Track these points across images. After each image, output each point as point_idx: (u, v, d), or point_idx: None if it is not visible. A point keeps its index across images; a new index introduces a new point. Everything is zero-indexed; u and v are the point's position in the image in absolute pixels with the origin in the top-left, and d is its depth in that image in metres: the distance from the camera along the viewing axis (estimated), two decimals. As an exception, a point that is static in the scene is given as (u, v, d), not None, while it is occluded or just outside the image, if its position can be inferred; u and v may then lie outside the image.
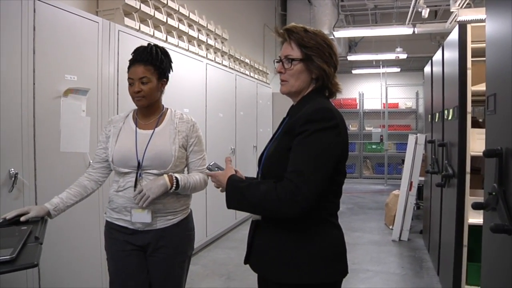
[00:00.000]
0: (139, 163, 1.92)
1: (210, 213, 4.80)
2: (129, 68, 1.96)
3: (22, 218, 1.74)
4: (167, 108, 2.07)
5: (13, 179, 2.34)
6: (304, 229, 1.42)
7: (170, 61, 2.04)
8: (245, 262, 1.59)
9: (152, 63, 1.93)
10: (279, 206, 1.31)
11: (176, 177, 1.90)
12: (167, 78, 2.04)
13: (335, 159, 1.38)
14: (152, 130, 1.98)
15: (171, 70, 2.06)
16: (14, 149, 2.38)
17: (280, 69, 1.51)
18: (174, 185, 1.89)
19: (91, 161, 2.31)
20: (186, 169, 2.07)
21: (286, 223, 1.42)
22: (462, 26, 2.99)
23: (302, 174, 1.30)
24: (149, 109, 2.01)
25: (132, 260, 1.95)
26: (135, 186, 1.91)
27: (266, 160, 1.50)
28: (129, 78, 1.95)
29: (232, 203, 1.44)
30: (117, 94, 3.16)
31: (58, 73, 2.67)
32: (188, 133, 2.01)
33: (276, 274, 1.43)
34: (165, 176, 1.90)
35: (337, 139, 1.38)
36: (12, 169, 2.35)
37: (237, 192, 1.42)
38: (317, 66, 1.48)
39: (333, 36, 8.05)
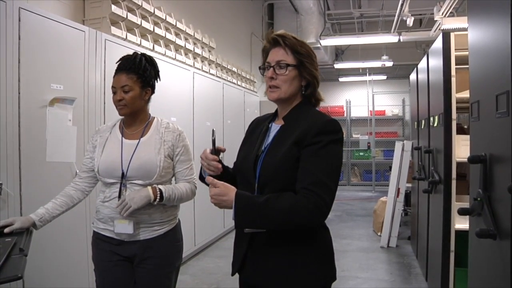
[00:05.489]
0: (123, 173, 1.90)
1: (198, 222, 4.78)
2: (113, 77, 1.96)
3: (6, 230, 1.71)
4: (154, 117, 2.06)
5: (-3, 190, 2.30)
6: (305, 235, 1.43)
7: (156, 70, 2.03)
8: (234, 274, 1.57)
9: (135, 72, 1.92)
10: (309, 218, 1.31)
11: (160, 189, 1.88)
12: (152, 87, 2.02)
13: (341, 168, 1.43)
14: (138, 140, 1.97)
15: (158, 79, 2.05)
16: (-2, 160, 2.34)
17: (272, 74, 1.48)
18: (158, 197, 1.87)
19: (77, 171, 2.28)
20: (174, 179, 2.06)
21: (287, 232, 1.41)
22: (446, 35, 3.04)
23: (324, 185, 1.32)
24: (134, 118, 2.00)
25: (118, 271, 1.92)
26: (119, 196, 1.89)
27: (269, 168, 1.43)
28: (112, 87, 1.95)
29: (246, 221, 1.35)
30: (104, 103, 3.13)
31: (44, 82, 2.65)
32: (174, 143, 1.99)
33: (279, 283, 1.42)
34: (149, 188, 1.87)
35: (342, 150, 1.44)
36: (-3, 180, 2.31)
37: (254, 209, 1.33)
38: (309, 72, 1.48)
39: (320, 44, 8.13)
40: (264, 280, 1.45)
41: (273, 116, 1.61)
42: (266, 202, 1.32)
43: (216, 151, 1.53)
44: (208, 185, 1.42)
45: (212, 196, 1.38)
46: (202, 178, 1.62)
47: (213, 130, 1.54)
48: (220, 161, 1.53)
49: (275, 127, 1.54)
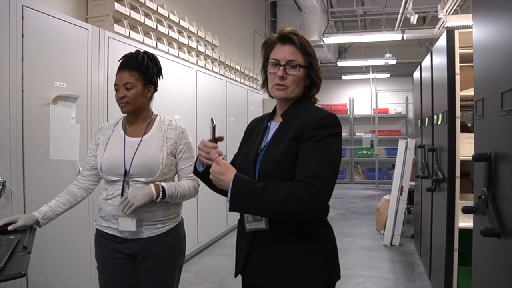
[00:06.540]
0: (126, 171, 1.90)
1: (202, 219, 4.78)
2: (116, 74, 1.96)
3: (10, 227, 1.71)
4: (156, 115, 2.06)
5: (1, 187, 2.30)
6: (307, 233, 1.42)
7: (158, 67, 2.03)
8: (237, 275, 1.56)
9: (137, 69, 1.93)
10: (304, 209, 1.29)
11: (162, 186, 1.88)
12: (155, 84, 2.02)
13: (340, 162, 1.41)
14: (140, 138, 1.97)
15: (160, 77, 2.05)
16: (2, 157, 2.34)
17: (283, 73, 1.46)
18: (161, 195, 1.87)
19: (80, 169, 2.29)
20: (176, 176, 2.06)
21: (289, 230, 1.40)
22: (450, 32, 3.01)
23: (321, 178, 1.31)
24: (136, 116, 2.00)
25: (121, 269, 1.93)
26: (122, 194, 1.90)
27: (269, 165, 1.43)
28: (115, 84, 1.96)
29: (240, 205, 1.35)
30: (107, 101, 3.14)
31: (47, 80, 2.65)
32: (176, 140, 1.99)
33: (283, 283, 1.41)
34: (152, 185, 1.88)
35: (340, 144, 1.42)
36: (0, 177, 2.31)
37: (249, 193, 1.32)
38: (316, 73, 1.48)
39: (323, 42, 8.11)
40: (267, 281, 1.44)
41: (271, 115, 1.61)
42: (263, 188, 1.31)
43: (215, 139, 1.51)
44: (203, 179, 1.45)
45: (212, 172, 1.39)
46: (196, 172, 1.61)
47: (212, 118, 1.53)
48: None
49: (274, 125, 1.54)
